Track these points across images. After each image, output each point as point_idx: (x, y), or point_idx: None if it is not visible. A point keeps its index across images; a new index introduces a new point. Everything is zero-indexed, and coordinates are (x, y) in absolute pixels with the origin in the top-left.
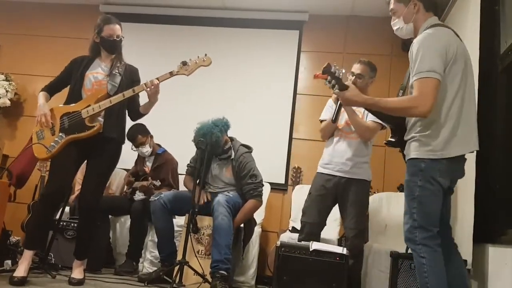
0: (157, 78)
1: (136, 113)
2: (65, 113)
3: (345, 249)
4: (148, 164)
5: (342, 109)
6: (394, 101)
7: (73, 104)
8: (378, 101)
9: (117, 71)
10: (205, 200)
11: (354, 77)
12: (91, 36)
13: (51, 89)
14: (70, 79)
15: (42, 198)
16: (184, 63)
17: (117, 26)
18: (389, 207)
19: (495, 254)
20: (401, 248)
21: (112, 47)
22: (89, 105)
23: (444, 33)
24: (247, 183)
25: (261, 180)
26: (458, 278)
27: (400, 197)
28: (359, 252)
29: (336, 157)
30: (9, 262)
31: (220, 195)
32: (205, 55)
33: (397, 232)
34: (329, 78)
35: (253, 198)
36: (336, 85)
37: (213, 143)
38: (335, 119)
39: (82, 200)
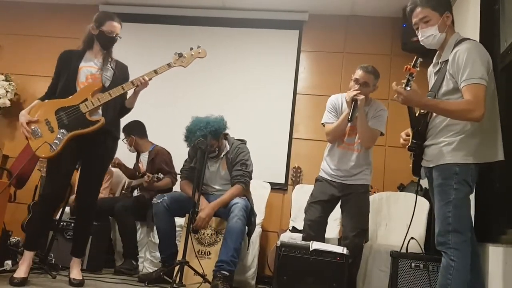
0: (155, 71)
1: (124, 109)
2: (60, 108)
3: (345, 248)
4: (143, 160)
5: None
6: (453, 104)
7: (67, 98)
8: (438, 103)
9: (109, 65)
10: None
11: (359, 85)
12: (88, 26)
13: (50, 95)
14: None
15: (41, 199)
16: (180, 55)
17: (119, 25)
18: (389, 207)
19: (495, 253)
20: None
21: (109, 43)
22: (86, 99)
23: (483, 47)
24: (236, 170)
25: (251, 171)
26: (480, 284)
27: (400, 196)
28: (358, 252)
29: (341, 170)
30: (9, 262)
31: (241, 199)
32: (198, 47)
33: (397, 231)
34: (413, 75)
35: (239, 184)
36: (410, 82)
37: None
38: (351, 118)
39: (82, 199)
